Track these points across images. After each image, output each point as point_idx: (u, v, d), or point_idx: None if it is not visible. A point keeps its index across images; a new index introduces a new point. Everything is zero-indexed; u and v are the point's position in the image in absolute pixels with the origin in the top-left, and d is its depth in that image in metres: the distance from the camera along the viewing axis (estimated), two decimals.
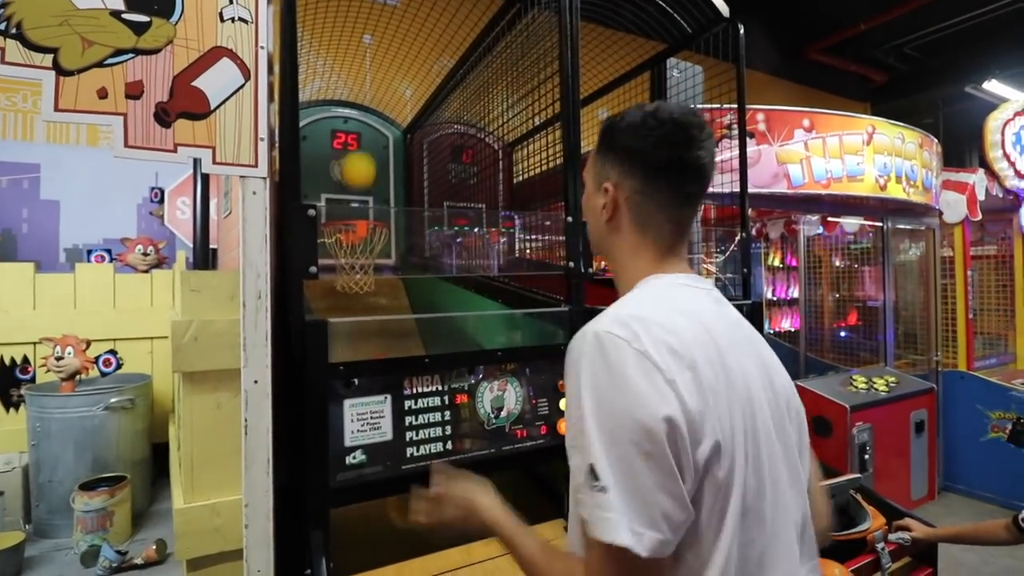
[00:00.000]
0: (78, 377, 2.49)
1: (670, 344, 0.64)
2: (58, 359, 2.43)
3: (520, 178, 2.87)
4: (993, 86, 5.06)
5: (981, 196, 3.96)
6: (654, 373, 0.61)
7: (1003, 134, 4.06)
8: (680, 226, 0.78)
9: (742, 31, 2.03)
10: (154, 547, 2.13)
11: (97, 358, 2.60)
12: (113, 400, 2.43)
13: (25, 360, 2.73)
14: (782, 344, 3.94)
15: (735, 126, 2.12)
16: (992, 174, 4.08)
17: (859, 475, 1.67)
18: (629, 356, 0.62)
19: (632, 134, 0.76)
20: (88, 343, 2.52)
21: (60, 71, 0.93)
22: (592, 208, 0.83)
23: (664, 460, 0.59)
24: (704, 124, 0.74)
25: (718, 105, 2.44)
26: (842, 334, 4.43)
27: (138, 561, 2.09)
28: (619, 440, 0.60)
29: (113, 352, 2.68)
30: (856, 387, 3.34)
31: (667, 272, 0.76)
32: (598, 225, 0.82)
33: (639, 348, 0.62)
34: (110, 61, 0.96)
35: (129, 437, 2.52)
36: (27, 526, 2.41)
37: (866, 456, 3.08)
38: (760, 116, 2.94)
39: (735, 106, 2.07)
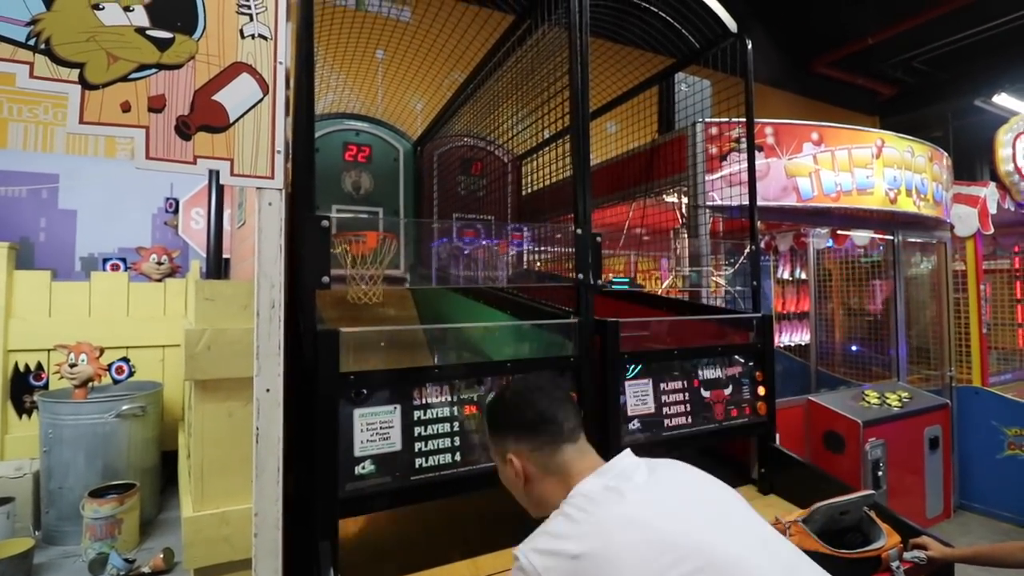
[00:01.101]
0: (91, 384, 2.52)
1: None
2: (71, 366, 2.46)
3: (529, 190, 2.89)
4: (1003, 99, 5.04)
5: (993, 209, 3.93)
6: None
7: (1014, 147, 4.04)
8: (575, 448, 0.94)
9: (750, 46, 2.05)
10: (162, 556, 2.13)
11: (110, 365, 2.62)
12: (125, 407, 2.45)
13: (39, 367, 2.76)
14: (792, 358, 3.90)
15: (743, 140, 2.13)
16: (1003, 187, 4.05)
17: (873, 492, 1.64)
18: None
19: (504, 415, 0.99)
20: (101, 350, 2.55)
21: (86, 85, 0.96)
22: (509, 479, 0.99)
23: None
24: (538, 385, 1.03)
25: (726, 119, 2.46)
26: (853, 348, 4.39)
27: (145, 570, 2.09)
28: None
29: (126, 360, 2.71)
30: (868, 402, 3.29)
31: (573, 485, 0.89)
32: (520, 490, 0.98)
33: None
34: (134, 76, 0.99)
35: (139, 445, 2.54)
36: (36, 532, 2.42)
37: (879, 473, 3.03)
38: (769, 129, 2.95)
39: (743, 119, 2.08)
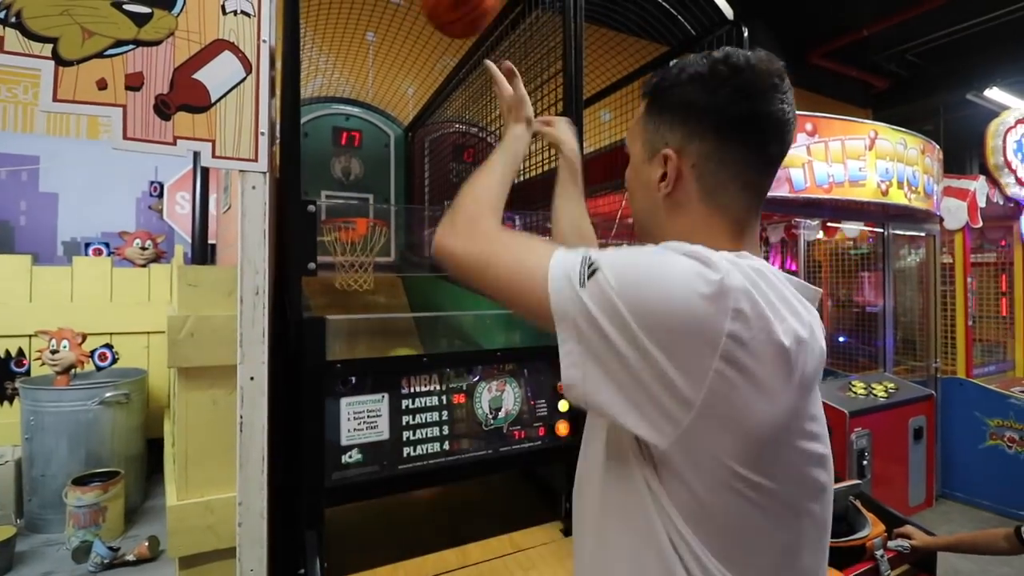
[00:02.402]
0: (73, 371, 2.48)
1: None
2: (53, 352, 2.41)
3: (521, 178, 2.86)
4: (994, 94, 5.05)
5: (982, 203, 3.95)
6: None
7: (1004, 141, 4.06)
8: (759, 198, 0.65)
9: (746, 34, 2.02)
10: (146, 544, 2.12)
11: (93, 352, 2.58)
12: (108, 395, 2.42)
13: (20, 353, 2.71)
14: None
15: None
16: (993, 181, 4.08)
17: (858, 481, 1.66)
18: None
19: (698, 86, 0.62)
20: (84, 337, 2.51)
21: (59, 61, 0.92)
22: (644, 182, 0.67)
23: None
24: (784, 71, 0.64)
25: None
26: (841, 339, 4.43)
27: (130, 558, 2.08)
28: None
29: (109, 346, 2.66)
30: (855, 393, 3.33)
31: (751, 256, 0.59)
32: (652, 203, 0.66)
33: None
34: (110, 52, 0.95)
35: (123, 432, 2.51)
36: (18, 520, 2.39)
37: (864, 462, 3.08)
38: None
39: None
